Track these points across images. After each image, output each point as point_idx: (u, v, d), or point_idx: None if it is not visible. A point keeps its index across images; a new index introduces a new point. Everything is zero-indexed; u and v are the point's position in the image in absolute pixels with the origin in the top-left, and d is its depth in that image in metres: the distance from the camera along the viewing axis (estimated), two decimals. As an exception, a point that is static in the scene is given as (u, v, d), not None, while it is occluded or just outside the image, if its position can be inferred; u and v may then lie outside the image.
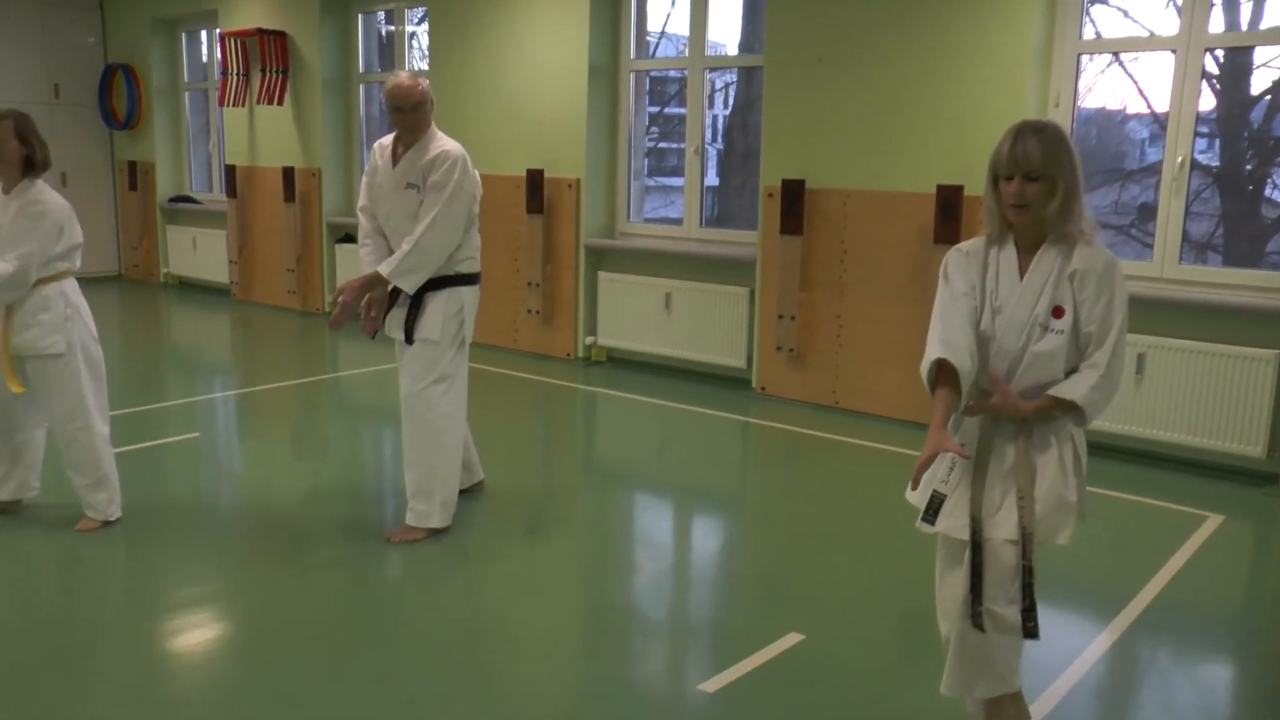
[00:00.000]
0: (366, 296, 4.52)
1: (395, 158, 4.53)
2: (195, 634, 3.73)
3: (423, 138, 4.49)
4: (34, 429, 4.62)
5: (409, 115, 4.43)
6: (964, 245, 2.83)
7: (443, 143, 4.51)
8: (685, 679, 3.49)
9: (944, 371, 2.69)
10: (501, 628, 3.80)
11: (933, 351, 2.70)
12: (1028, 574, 2.63)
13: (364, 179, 4.65)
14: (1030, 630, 2.65)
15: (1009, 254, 2.73)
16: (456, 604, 4.00)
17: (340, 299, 4.40)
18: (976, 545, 2.68)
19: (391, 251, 4.51)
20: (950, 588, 2.83)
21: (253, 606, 3.93)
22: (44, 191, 4.35)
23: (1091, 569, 4.47)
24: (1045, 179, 2.60)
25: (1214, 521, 4.94)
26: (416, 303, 4.48)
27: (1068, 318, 2.64)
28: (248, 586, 4.12)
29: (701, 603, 4.23)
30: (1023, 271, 2.71)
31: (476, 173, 4.56)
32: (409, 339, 4.49)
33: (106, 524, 4.55)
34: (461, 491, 4.78)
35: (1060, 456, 2.71)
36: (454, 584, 4.22)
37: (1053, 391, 2.66)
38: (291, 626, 3.77)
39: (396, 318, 4.54)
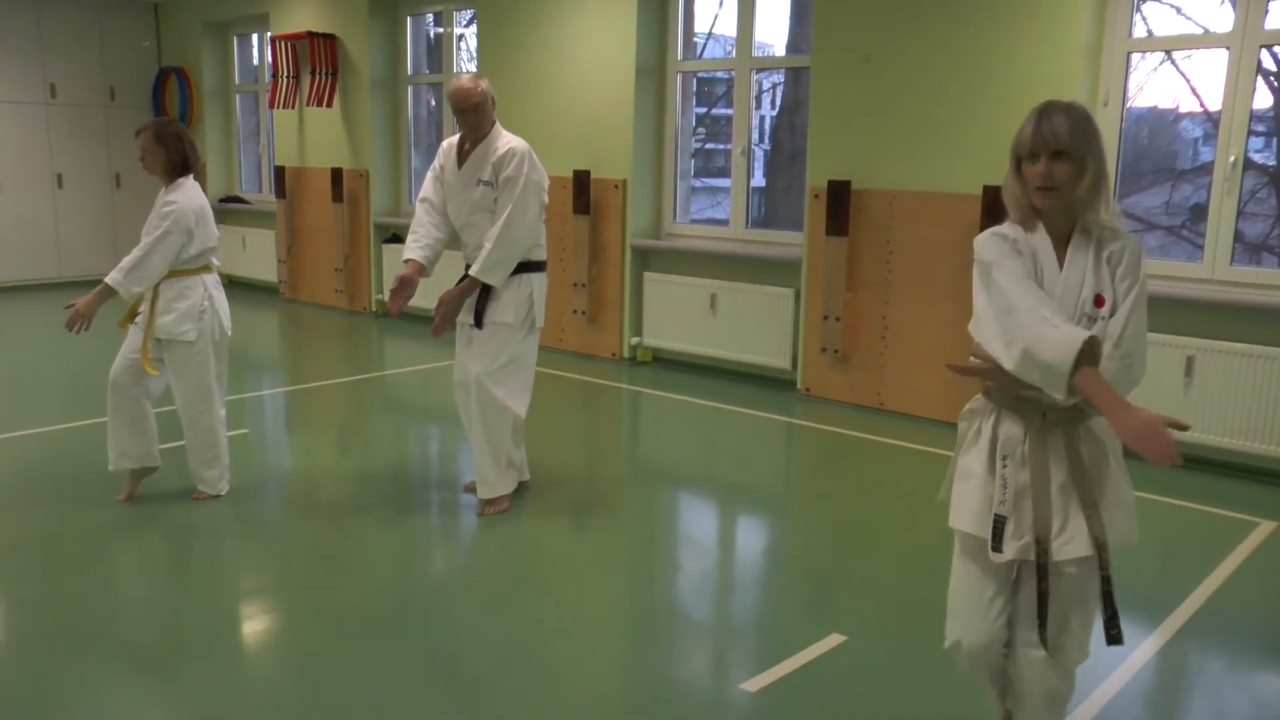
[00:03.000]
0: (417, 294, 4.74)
1: (461, 156, 4.72)
2: (247, 625, 3.80)
3: (487, 136, 4.68)
4: (145, 399, 4.81)
5: (470, 115, 4.62)
6: (999, 229, 2.59)
7: (508, 139, 4.70)
8: (727, 678, 3.50)
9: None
10: (546, 623, 3.83)
11: (1072, 336, 2.31)
12: (1107, 583, 2.54)
13: (430, 174, 4.85)
14: (1115, 637, 2.54)
15: (1044, 243, 2.52)
16: (502, 599, 4.03)
17: (442, 310, 4.66)
18: (1043, 569, 2.54)
19: (437, 241, 4.78)
20: (967, 584, 2.71)
21: (302, 597, 4.00)
22: (185, 194, 4.66)
23: (1139, 574, 4.42)
24: (1073, 158, 2.42)
25: (1266, 528, 4.86)
26: (487, 289, 4.67)
27: (1108, 305, 2.47)
28: (297, 578, 4.19)
29: (744, 602, 4.23)
30: (1061, 262, 2.51)
31: (541, 165, 4.72)
32: (479, 323, 4.67)
33: (217, 497, 4.93)
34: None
35: (1113, 452, 2.56)
36: (499, 579, 4.25)
37: None
38: (340, 618, 3.82)
39: (467, 303, 4.72)
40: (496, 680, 3.40)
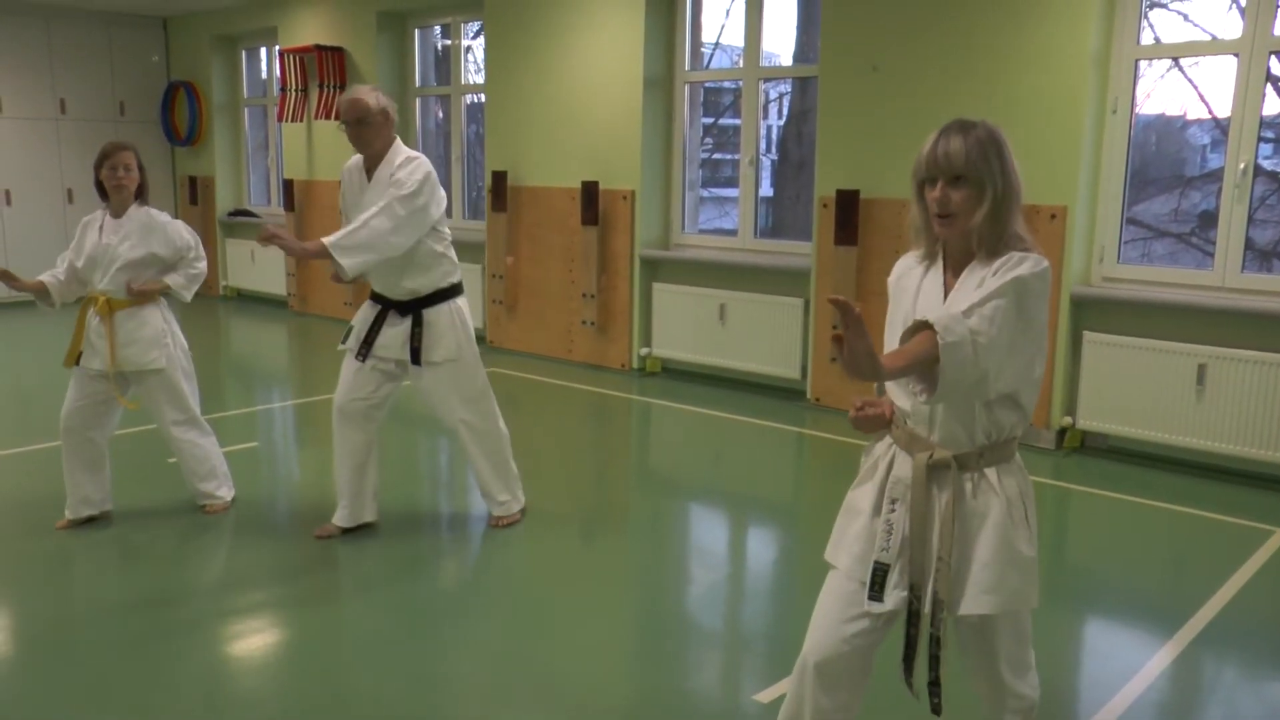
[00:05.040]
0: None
1: (370, 177, 4.49)
2: (254, 639, 3.79)
3: (389, 153, 4.46)
4: (102, 440, 4.77)
5: (354, 128, 4.37)
6: (904, 261, 2.48)
7: (412, 153, 4.49)
8: (739, 689, 3.49)
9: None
10: (556, 635, 3.82)
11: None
12: (935, 645, 2.36)
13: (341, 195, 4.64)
14: (936, 707, 2.44)
15: (935, 275, 2.37)
16: (512, 611, 4.02)
17: (281, 238, 4.23)
18: (913, 615, 2.37)
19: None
20: (832, 599, 2.50)
21: (310, 609, 3.99)
22: (160, 214, 4.70)
23: (1152, 583, 4.40)
24: (971, 182, 2.23)
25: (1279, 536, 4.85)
26: (420, 326, 4.53)
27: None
28: (304, 592, 4.18)
29: (755, 613, 4.22)
30: (947, 293, 2.32)
31: (441, 192, 4.52)
32: (416, 360, 4.52)
33: (227, 507, 4.97)
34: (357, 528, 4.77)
35: (1014, 506, 2.34)
36: (509, 591, 4.24)
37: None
38: (347, 631, 3.82)
39: (394, 338, 4.56)
40: (506, 691, 3.39)
